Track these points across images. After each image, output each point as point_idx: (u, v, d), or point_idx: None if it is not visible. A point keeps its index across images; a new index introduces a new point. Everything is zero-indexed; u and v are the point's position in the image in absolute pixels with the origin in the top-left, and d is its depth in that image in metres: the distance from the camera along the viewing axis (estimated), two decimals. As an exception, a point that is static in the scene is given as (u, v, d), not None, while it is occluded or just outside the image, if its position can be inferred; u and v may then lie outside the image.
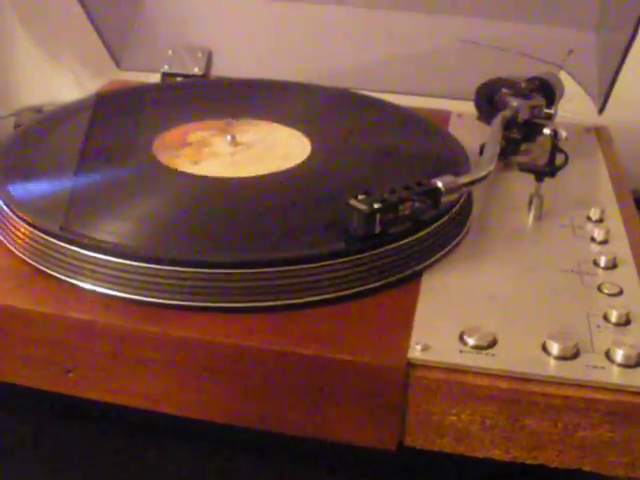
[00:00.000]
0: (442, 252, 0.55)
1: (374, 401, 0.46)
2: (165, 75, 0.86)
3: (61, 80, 0.98)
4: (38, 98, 0.97)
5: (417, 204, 0.52)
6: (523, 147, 0.69)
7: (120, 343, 0.49)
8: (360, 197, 0.51)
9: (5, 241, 0.56)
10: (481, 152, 0.68)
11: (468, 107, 0.80)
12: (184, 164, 0.62)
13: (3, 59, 0.99)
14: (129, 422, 0.55)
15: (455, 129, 0.74)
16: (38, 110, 0.94)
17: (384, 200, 0.51)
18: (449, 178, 0.54)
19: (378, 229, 0.51)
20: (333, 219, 0.53)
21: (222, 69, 0.86)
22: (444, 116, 0.79)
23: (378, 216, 0.50)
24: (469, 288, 0.53)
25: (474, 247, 0.57)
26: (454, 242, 0.56)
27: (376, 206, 0.50)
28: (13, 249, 0.55)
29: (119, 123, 0.70)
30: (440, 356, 0.46)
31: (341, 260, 0.50)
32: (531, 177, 0.61)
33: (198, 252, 0.51)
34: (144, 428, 0.55)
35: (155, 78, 0.87)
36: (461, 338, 0.48)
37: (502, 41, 0.78)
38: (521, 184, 0.65)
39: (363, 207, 0.50)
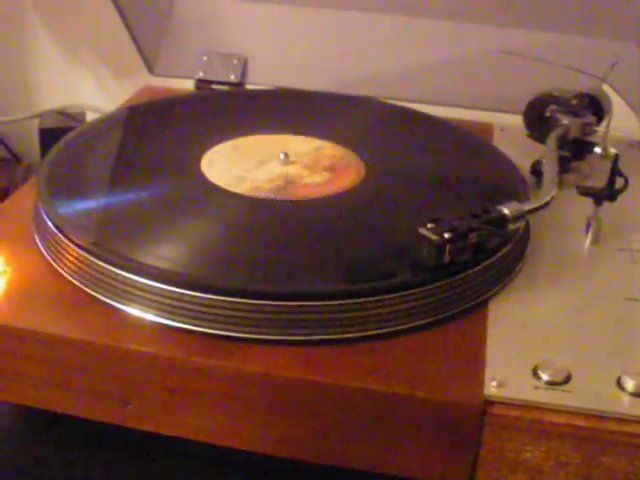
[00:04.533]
0: (505, 280, 0.54)
1: (447, 437, 0.46)
2: (200, 82, 0.84)
3: (84, 82, 0.96)
4: (61, 100, 0.95)
5: (483, 232, 0.51)
6: (573, 165, 0.68)
7: (179, 376, 0.48)
8: (429, 225, 0.50)
9: (55, 264, 0.54)
10: (532, 171, 0.67)
11: (506, 119, 0.80)
12: (236, 184, 0.60)
13: (26, 60, 0.97)
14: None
15: (500, 143, 0.73)
16: (62, 112, 0.92)
17: (454, 229, 0.49)
18: (515, 205, 0.53)
19: (448, 259, 0.50)
20: (398, 247, 0.52)
21: (258, 76, 0.84)
22: (486, 129, 0.78)
23: (448, 246, 0.49)
24: (534, 317, 0.52)
25: (533, 274, 0.56)
26: (516, 269, 0.55)
27: (447, 236, 0.49)
28: (63, 272, 0.53)
29: (166, 136, 0.69)
30: (516, 393, 0.46)
31: (411, 292, 0.49)
32: (579, 194, 0.61)
33: (261, 283, 0.49)
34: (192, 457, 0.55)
35: (188, 84, 0.85)
36: (535, 373, 0.47)
37: (543, 52, 0.77)
38: (572, 203, 0.64)
39: (434, 237, 0.49)
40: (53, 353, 0.49)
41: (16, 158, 1.02)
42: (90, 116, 0.92)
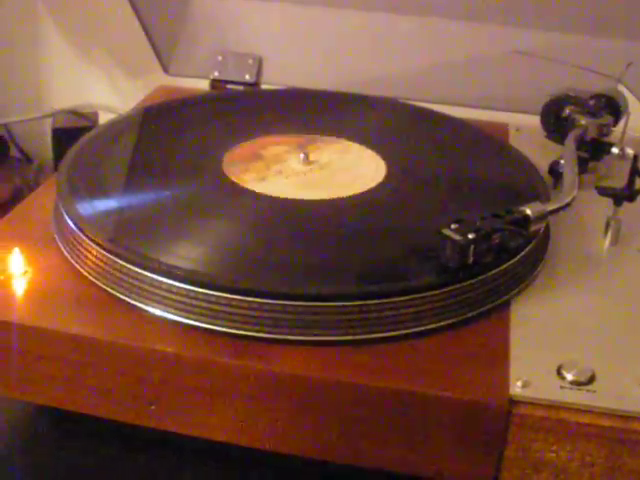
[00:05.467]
0: (527, 281, 0.54)
1: (472, 437, 0.46)
2: (215, 82, 0.84)
3: (97, 81, 0.96)
4: (74, 99, 0.95)
5: (506, 233, 0.51)
6: (590, 165, 0.68)
7: (206, 377, 0.48)
8: (453, 226, 0.50)
9: (76, 264, 0.54)
10: (550, 171, 0.67)
11: (520, 119, 0.80)
12: (258, 184, 0.60)
13: (38, 59, 0.97)
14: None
15: (515, 143, 0.73)
16: (74, 112, 0.92)
17: (478, 230, 0.50)
18: (537, 205, 0.53)
19: (471, 259, 0.50)
20: (421, 247, 0.52)
21: (273, 76, 0.84)
22: (502, 129, 0.78)
23: (472, 247, 0.49)
24: (556, 318, 0.52)
25: (554, 274, 0.56)
26: (537, 270, 0.56)
27: (471, 236, 0.49)
28: (84, 272, 0.53)
29: (186, 136, 0.69)
30: (541, 393, 0.46)
31: (435, 292, 0.49)
32: (598, 195, 0.61)
33: (289, 284, 0.49)
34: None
35: (202, 84, 0.85)
36: (559, 373, 0.47)
37: (558, 53, 0.77)
38: (590, 203, 0.64)
39: (458, 238, 0.49)
40: (76, 353, 0.49)
41: (27, 158, 1.02)
42: (103, 116, 0.92)
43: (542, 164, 0.68)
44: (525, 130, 0.78)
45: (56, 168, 0.88)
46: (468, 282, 0.50)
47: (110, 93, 0.95)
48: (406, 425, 0.46)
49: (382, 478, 0.50)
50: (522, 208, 0.53)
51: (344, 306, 0.48)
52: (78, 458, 0.56)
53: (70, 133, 0.87)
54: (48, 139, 0.93)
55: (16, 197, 0.90)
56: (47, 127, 0.95)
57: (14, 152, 1.00)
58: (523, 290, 0.54)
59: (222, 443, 0.49)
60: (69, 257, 0.55)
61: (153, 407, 0.49)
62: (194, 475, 0.55)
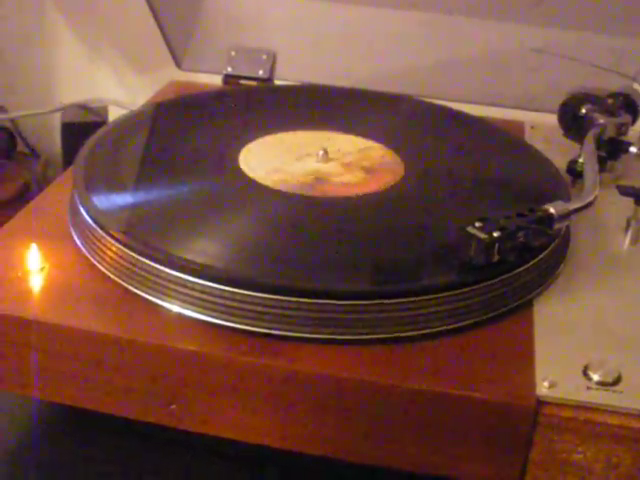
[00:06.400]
0: (549, 279, 0.54)
1: (499, 438, 0.45)
2: (228, 77, 0.84)
3: (106, 76, 0.95)
4: (83, 94, 0.94)
5: (530, 231, 0.51)
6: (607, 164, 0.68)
7: (225, 375, 0.47)
8: (477, 224, 0.49)
9: (94, 260, 0.53)
10: (568, 170, 0.67)
11: (534, 117, 0.80)
12: (275, 180, 0.60)
13: (48, 55, 0.96)
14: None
15: (531, 142, 0.72)
16: (83, 107, 0.92)
17: (503, 228, 0.49)
18: (560, 204, 0.52)
19: (496, 258, 0.49)
20: (442, 246, 0.52)
21: (286, 72, 0.84)
22: (518, 127, 0.78)
23: (497, 245, 0.49)
24: (578, 317, 0.52)
25: (575, 273, 0.56)
26: (559, 269, 0.55)
27: (496, 235, 0.49)
28: (102, 268, 0.53)
29: (203, 130, 0.68)
30: (568, 393, 0.45)
31: (460, 291, 0.49)
32: (619, 194, 0.60)
33: (309, 281, 0.49)
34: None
35: (214, 80, 0.85)
36: (585, 373, 0.47)
37: (573, 51, 0.77)
38: (607, 203, 0.64)
39: (483, 236, 0.48)
40: (94, 351, 0.48)
41: (35, 153, 1.01)
42: (112, 110, 0.91)
43: (558, 162, 0.68)
44: (541, 128, 0.77)
45: (64, 163, 0.88)
46: (493, 280, 0.50)
47: (120, 88, 0.95)
48: (430, 426, 0.46)
49: (395, 477, 0.49)
50: (546, 207, 0.52)
51: (366, 304, 0.48)
52: (93, 455, 0.55)
53: (80, 128, 0.87)
54: (56, 134, 0.92)
55: (24, 192, 0.90)
56: (54, 122, 0.94)
57: (21, 147, 1.00)
58: (545, 289, 0.53)
59: (233, 441, 0.49)
60: (86, 253, 0.54)
61: (173, 406, 0.49)
62: (204, 473, 0.54)
